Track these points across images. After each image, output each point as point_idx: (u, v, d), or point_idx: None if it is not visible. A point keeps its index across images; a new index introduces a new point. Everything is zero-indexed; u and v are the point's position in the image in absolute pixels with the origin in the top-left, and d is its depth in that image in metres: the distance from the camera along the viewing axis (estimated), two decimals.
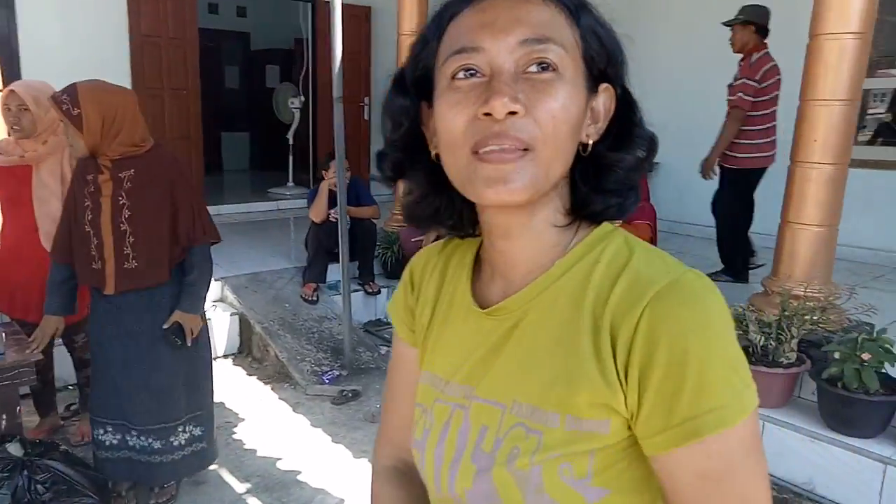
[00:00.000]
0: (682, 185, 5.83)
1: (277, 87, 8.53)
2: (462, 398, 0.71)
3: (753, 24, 4.08)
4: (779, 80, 4.07)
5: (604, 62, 0.65)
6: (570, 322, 0.64)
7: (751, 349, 2.75)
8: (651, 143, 0.69)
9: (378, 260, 4.87)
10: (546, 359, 0.65)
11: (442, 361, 0.76)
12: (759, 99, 4.06)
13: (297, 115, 7.67)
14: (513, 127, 0.59)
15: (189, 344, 2.41)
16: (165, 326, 2.36)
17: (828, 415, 2.65)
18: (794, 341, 2.73)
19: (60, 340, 2.97)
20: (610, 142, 0.67)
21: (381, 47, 7.51)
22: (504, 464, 0.65)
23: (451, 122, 0.62)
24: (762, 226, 4.37)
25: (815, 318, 2.74)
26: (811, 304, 2.83)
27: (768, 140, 4.16)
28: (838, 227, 3.12)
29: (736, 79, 4.16)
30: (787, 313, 2.76)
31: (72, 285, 2.45)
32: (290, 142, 7.71)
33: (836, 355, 2.54)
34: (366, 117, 7.71)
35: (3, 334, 2.36)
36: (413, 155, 0.71)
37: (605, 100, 0.67)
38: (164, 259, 2.34)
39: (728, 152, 4.21)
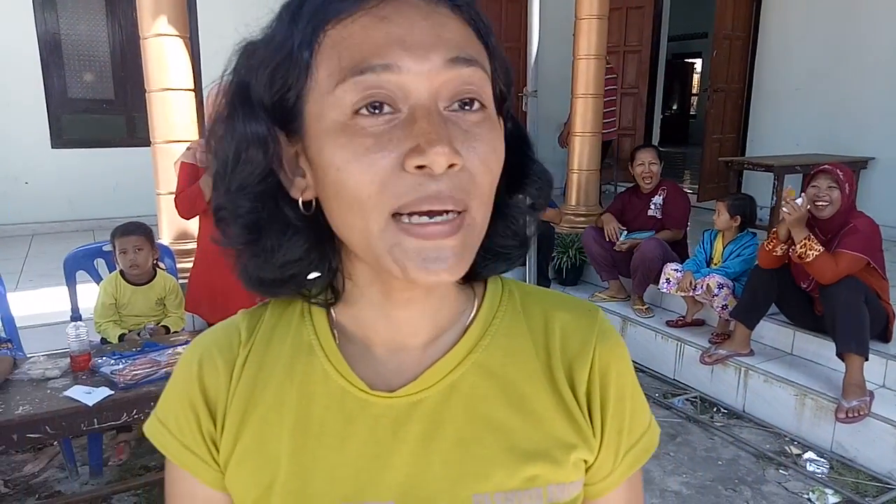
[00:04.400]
0: None
1: None
2: None
3: None
4: (614, 77, 5.96)
5: (504, 93, 0.53)
6: (523, 383, 0.56)
7: None
8: (545, 181, 0.58)
9: (552, 266, 4.61)
10: (504, 433, 0.55)
11: (324, 484, 0.54)
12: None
13: None
14: (451, 184, 0.46)
15: None
16: None
17: None
18: None
19: None
20: (503, 183, 0.53)
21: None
22: None
23: (361, 176, 0.46)
24: None
25: None
26: None
27: (607, 121, 5.55)
28: None
29: None
30: None
31: None
32: None
33: None
34: (524, 109, 7.44)
35: None
36: (269, 202, 0.52)
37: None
38: None
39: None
